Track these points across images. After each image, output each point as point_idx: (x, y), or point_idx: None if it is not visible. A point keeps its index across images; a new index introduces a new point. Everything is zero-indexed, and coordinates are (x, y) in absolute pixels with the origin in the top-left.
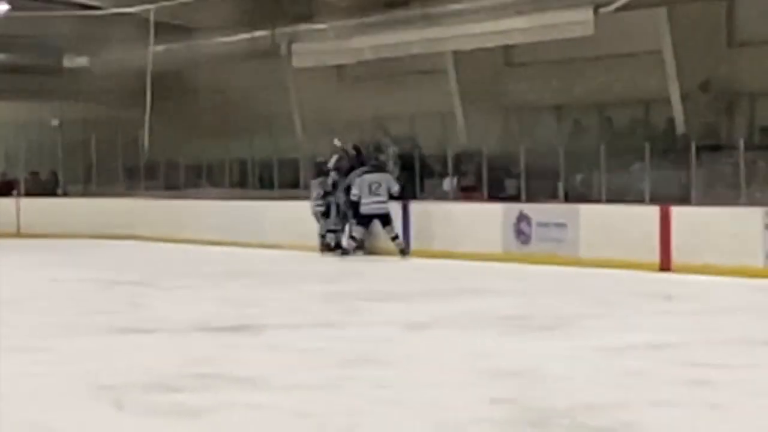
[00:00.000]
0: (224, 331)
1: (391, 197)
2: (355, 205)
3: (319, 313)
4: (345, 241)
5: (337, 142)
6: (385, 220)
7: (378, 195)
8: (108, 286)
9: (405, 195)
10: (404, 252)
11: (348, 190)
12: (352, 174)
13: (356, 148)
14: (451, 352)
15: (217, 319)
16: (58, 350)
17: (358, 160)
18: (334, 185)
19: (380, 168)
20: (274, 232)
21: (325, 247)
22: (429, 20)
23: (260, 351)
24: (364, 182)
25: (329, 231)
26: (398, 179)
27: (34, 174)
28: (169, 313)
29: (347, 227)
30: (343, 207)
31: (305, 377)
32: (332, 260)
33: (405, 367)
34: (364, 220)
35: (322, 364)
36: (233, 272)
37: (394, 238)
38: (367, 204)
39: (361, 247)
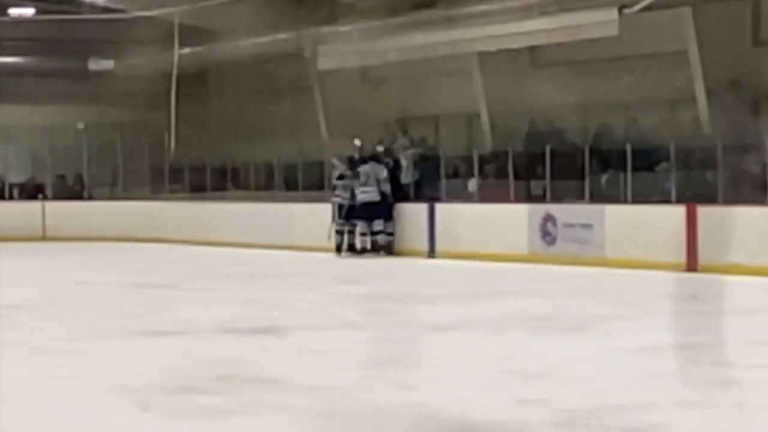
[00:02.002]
0: (250, 333)
1: (393, 186)
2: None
3: (344, 315)
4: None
5: (357, 142)
6: (376, 209)
7: (367, 185)
8: (133, 288)
9: (421, 193)
10: (387, 250)
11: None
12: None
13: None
14: (477, 353)
15: (243, 321)
16: (83, 353)
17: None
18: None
19: (372, 159)
20: (300, 234)
21: (337, 248)
22: (454, 21)
23: (286, 353)
24: (358, 175)
25: (336, 232)
26: (417, 178)
27: (60, 177)
28: (195, 316)
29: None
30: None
31: (331, 379)
32: (359, 262)
33: (431, 368)
34: (361, 212)
35: (347, 365)
36: (258, 274)
37: (377, 232)
38: (359, 194)
39: (381, 247)
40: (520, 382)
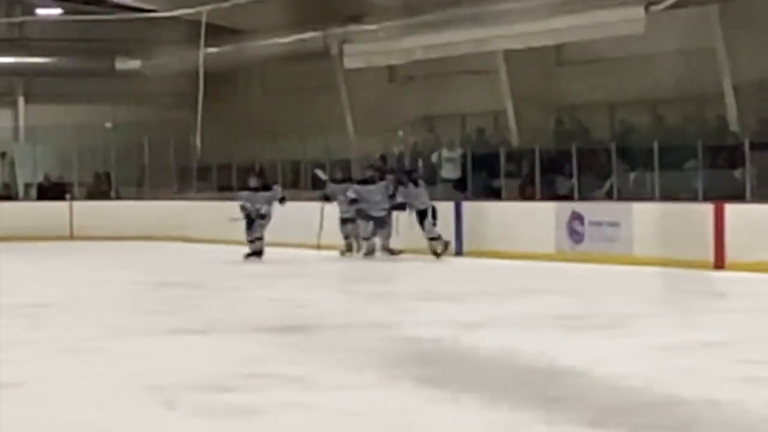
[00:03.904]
0: (275, 332)
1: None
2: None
3: (370, 313)
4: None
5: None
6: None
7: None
8: (160, 287)
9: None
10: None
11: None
12: None
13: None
14: (505, 351)
15: (269, 320)
16: (110, 351)
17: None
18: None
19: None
20: (326, 232)
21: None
22: (480, 20)
23: (311, 351)
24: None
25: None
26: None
27: (88, 177)
28: (221, 314)
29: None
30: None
31: (356, 377)
32: (385, 261)
33: (458, 366)
34: None
35: (373, 363)
36: (284, 273)
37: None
38: None
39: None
40: (548, 380)
